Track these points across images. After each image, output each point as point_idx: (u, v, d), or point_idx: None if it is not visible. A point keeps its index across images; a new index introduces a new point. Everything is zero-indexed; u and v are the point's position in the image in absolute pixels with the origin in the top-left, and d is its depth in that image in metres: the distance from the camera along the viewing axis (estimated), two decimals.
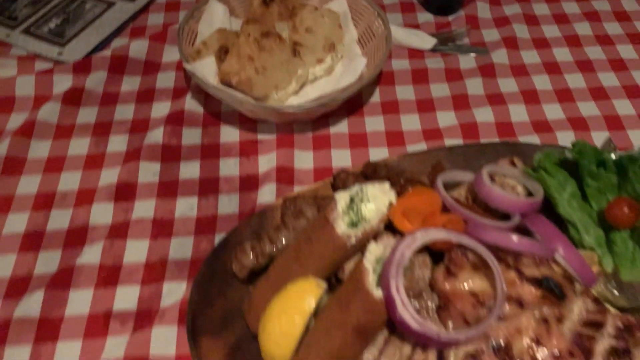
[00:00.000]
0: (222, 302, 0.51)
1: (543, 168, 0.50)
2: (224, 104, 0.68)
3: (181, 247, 0.57)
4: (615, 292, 0.48)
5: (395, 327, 0.44)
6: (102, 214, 0.60)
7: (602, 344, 0.43)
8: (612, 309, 0.45)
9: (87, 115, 0.69)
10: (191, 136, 0.67)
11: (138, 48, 0.75)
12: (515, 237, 0.42)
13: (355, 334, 0.43)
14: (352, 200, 0.47)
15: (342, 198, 0.46)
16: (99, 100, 0.70)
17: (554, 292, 0.42)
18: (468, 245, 0.43)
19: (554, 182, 0.49)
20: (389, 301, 0.41)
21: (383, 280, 0.42)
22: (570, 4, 0.81)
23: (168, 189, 0.62)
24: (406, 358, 0.44)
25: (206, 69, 0.65)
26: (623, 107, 0.68)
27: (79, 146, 0.66)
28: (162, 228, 0.59)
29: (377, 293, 0.42)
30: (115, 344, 0.51)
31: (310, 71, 0.68)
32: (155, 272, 0.56)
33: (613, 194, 0.47)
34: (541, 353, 0.41)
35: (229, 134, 0.67)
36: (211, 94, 0.64)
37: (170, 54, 0.75)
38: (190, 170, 0.63)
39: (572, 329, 0.43)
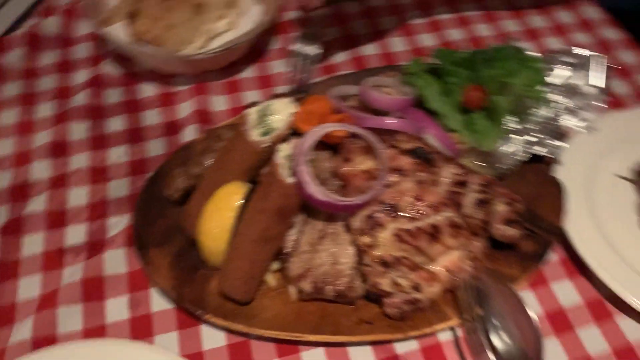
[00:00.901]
0: (162, 221, 0.59)
1: (413, 73, 0.61)
2: (139, 63, 0.76)
3: (119, 188, 0.64)
4: (480, 163, 0.61)
5: (309, 209, 0.54)
6: (41, 170, 0.66)
7: (469, 198, 0.55)
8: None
9: (11, 89, 0.74)
10: (113, 95, 0.73)
11: (51, 24, 0.81)
12: (389, 119, 0.53)
13: (276, 216, 0.52)
14: (261, 115, 0.56)
15: (252, 113, 0.56)
16: (21, 75, 0.75)
17: (424, 158, 0.53)
18: (355, 133, 0.53)
19: (422, 82, 0.60)
20: (299, 183, 0.51)
21: (293, 168, 0.51)
22: None
23: (99, 142, 0.69)
24: (319, 231, 0.54)
25: (119, 33, 0.73)
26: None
27: (9, 117, 0.71)
28: (98, 175, 0.65)
29: (290, 180, 0.52)
30: (72, 272, 0.58)
31: (214, 27, 0.76)
32: (98, 210, 0.62)
33: (466, 83, 0.59)
34: (420, 206, 0.52)
35: (148, 90, 0.74)
36: (127, 53, 0.71)
37: (83, 28, 0.81)
38: (117, 124, 0.70)
39: (444, 188, 0.54)
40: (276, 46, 0.79)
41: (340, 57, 0.77)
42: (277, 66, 0.77)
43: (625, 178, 0.62)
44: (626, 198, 0.62)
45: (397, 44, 0.79)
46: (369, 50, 0.78)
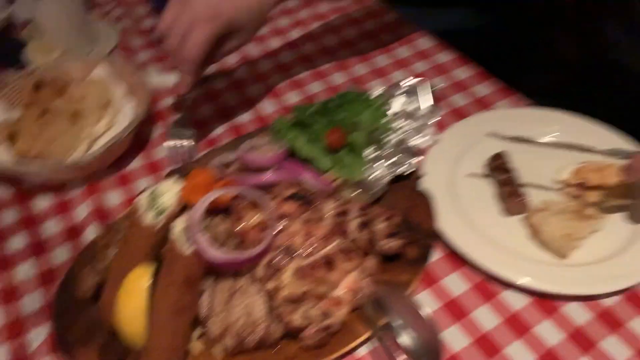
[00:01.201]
0: (81, 321, 0.61)
1: (281, 130, 0.69)
2: (29, 180, 0.79)
3: (32, 302, 0.66)
4: (356, 192, 0.69)
5: (215, 272, 0.59)
6: None
7: (353, 224, 0.63)
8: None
9: None
10: (9, 216, 0.75)
11: None
12: (267, 174, 0.60)
13: (184, 287, 0.57)
14: (151, 199, 0.61)
15: (142, 199, 0.61)
16: None
17: (305, 200, 0.61)
18: (240, 193, 0.60)
19: (291, 136, 0.68)
20: (199, 250, 0.56)
21: (190, 238, 0.57)
22: None
23: (3, 264, 0.70)
24: (229, 289, 0.59)
25: (2, 156, 0.75)
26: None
27: None
28: (9, 295, 0.67)
29: (189, 250, 0.57)
30: None
31: (94, 130, 0.81)
32: (16, 329, 0.64)
33: (327, 129, 0.68)
34: (311, 242, 0.59)
35: (43, 202, 0.77)
36: (13, 173, 0.74)
37: None
38: (18, 242, 0.72)
39: (329, 221, 0.62)
40: (157, 132, 0.85)
41: (218, 130, 0.84)
42: (162, 151, 0.82)
43: (481, 174, 0.73)
44: (485, 191, 0.72)
45: (266, 106, 0.88)
46: (243, 118, 0.86)
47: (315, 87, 0.90)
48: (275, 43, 1.00)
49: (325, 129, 0.68)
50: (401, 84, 0.68)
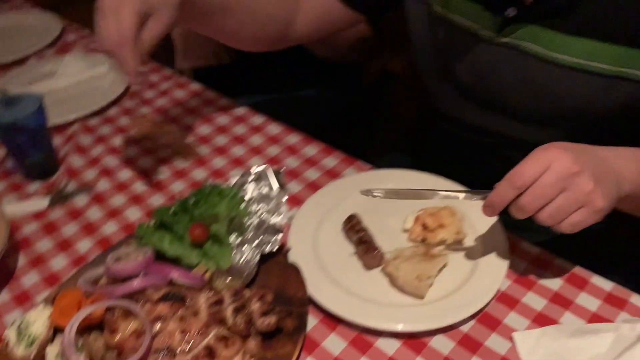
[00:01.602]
0: None
1: (143, 235, 0.72)
2: None
3: None
4: (229, 279, 0.73)
5: None
6: None
7: (228, 310, 0.66)
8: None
9: None
10: None
11: None
12: (134, 281, 0.63)
13: None
14: (20, 330, 0.60)
15: (10, 332, 0.60)
16: None
17: (176, 299, 0.63)
18: (110, 305, 0.61)
19: (155, 239, 0.71)
20: None
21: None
22: None
23: None
24: None
25: None
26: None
27: None
28: None
29: None
30: None
31: None
32: None
33: (189, 226, 0.72)
34: (189, 337, 0.61)
35: None
36: None
37: None
38: None
39: (204, 314, 0.65)
40: (23, 262, 0.84)
41: (85, 247, 0.85)
42: (28, 279, 0.81)
43: (339, 237, 0.80)
44: (345, 252, 0.79)
45: (131, 214, 0.90)
46: (109, 229, 0.87)
47: (178, 187, 0.94)
48: (132, 151, 1.03)
49: (187, 226, 0.72)
50: (251, 171, 0.75)
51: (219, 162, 0.99)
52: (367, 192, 0.77)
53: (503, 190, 0.67)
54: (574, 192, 0.64)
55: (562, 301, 0.73)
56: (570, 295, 0.74)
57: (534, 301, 0.73)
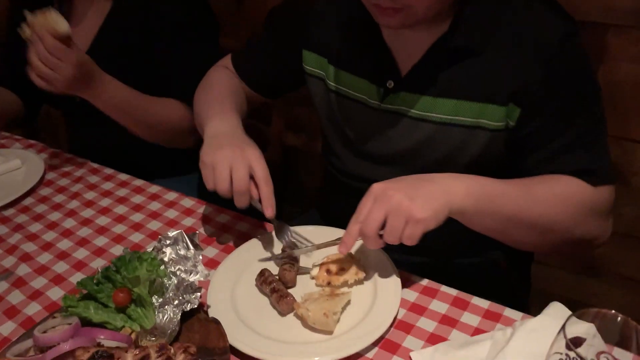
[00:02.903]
0: None
1: (69, 306, 0.77)
2: None
3: None
4: (153, 338, 0.79)
5: None
6: None
7: None
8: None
9: None
10: None
11: None
12: (63, 344, 0.68)
13: None
14: None
15: None
16: None
17: (104, 357, 0.69)
18: None
19: (80, 308, 0.77)
20: None
21: None
22: None
23: None
24: None
25: None
26: None
27: None
28: None
29: None
30: None
31: None
32: None
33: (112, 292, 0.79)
34: None
35: None
36: None
37: None
38: None
39: None
40: None
41: (7, 330, 0.87)
42: None
43: (254, 290, 0.89)
44: (262, 302, 0.88)
45: (54, 294, 0.94)
46: (32, 310, 0.91)
47: (98, 263, 0.99)
48: (49, 237, 1.07)
49: (110, 293, 0.78)
50: (167, 235, 0.83)
51: (136, 237, 1.06)
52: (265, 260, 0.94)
53: (350, 228, 0.84)
54: (395, 211, 0.79)
55: (449, 321, 0.85)
56: (455, 315, 0.86)
57: (426, 324, 0.85)
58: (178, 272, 0.81)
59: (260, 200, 0.92)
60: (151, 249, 0.82)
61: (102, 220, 1.11)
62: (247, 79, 1.18)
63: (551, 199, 0.89)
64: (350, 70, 1.02)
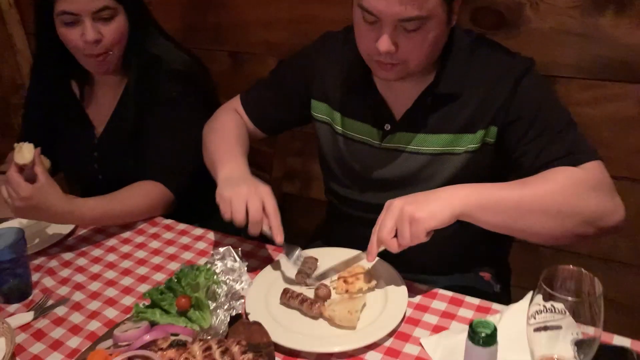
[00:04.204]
0: None
1: (139, 312, 0.93)
2: None
3: None
4: (208, 337, 0.94)
5: None
6: None
7: (216, 353, 0.87)
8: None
9: None
10: None
11: None
12: (146, 336, 0.83)
13: None
14: None
15: None
16: None
17: (180, 345, 0.84)
18: (132, 355, 0.81)
19: (148, 314, 0.92)
20: None
21: None
22: None
23: None
24: None
25: None
26: None
27: None
28: None
29: None
30: None
31: None
32: None
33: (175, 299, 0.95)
34: None
35: None
36: None
37: None
38: None
39: (200, 356, 0.86)
40: None
41: (74, 343, 1.01)
42: None
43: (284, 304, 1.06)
44: (293, 311, 1.05)
45: (109, 312, 1.08)
46: (93, 326, 1.05)
47: (143, 288, 1.15)
48: (96, 268, 1.23)
49: (172, 301, 0.95)
50: (218, 250, 1.01)
51: (173, 265, 1.22)
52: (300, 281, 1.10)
53: (371, 239, 1.02)
54: (400, 217, 0.97)
55: (448, 315, 1.04)
56: (453, 311, 1.05)
57: (430, 318, 1.03)
58: (227, 281, 0.98)
59: (270, 229, 1.09)
60: (204, 263, 0.99)
61: (140, 254, 1.27)
62: (255, 118, 1.38)
63: (548, 184, 1.01)
64: (354, 117, 1.24)
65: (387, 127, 1.20)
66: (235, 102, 1.41)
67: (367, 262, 1.09)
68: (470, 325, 0.71)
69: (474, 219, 1.01)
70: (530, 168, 1.09)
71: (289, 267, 1.14)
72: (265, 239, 1.13)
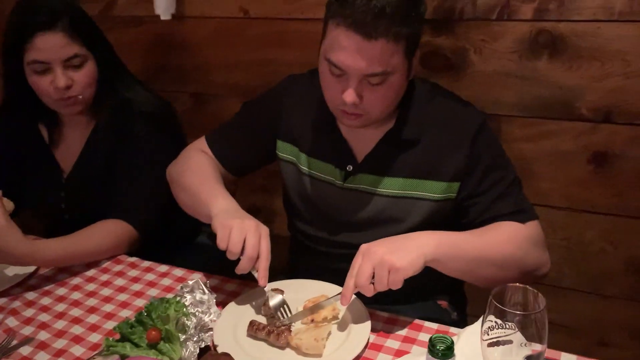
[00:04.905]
0: None
1: (109, 346, 0.94)
2: None
3: None
4: None
5: None
6: None
7: None
8: None
9: None
10: None
11: None
12: None
13: None
14: None
15: None
16: None
17: None
18: None
19: (118, 348, 0.94)
20: None
21: None
22: None
23: None
24: None
25: None
26: None
27: None
28: None
29: None
30: None
31: None
32: None
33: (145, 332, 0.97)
34: None
35: None
36: None
37: None
38: None
39: None
40: None
41: None
42: None
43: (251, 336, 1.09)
44: (258, 342, 1.08)
45: (76, 350, 1.09)
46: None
47: (111, 325, 1.16)
48: (62, 306, 1.22)
49: (142, 334, 0.97)
50: (187, 283, 1.03)
51: (139, 302, 1.24)
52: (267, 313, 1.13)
53: (346, 283, 1.05)
54: (379, 264, 1.00)
55: (409, 340, 1.09)
56: (413, 335, 1.11)
57: (393, 343, 1.08)
58: (197, 313, 1.01)
59: (257, 271, 1.10)
60: (173, 296, 1.02)
61: (106, 292, 1.28)
62: (221, 159, 1.40)
63: (502, 238, 1.14)
64: (319, 157, 1.30)
65: (349, 167, 1.27)
66: (201, 144, 1.44)
67: (335, 290, 1.13)
68: (430, 340, 0.77)
69: (439, 265, 1.08)
70: (476, 218, 1.21)
71: (256, 300, 1.18)
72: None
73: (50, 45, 1.33)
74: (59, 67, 1.35)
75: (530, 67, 1.60)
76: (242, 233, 1.07)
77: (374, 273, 1.02)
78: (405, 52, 1.09)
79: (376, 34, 1.03)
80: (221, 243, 1.07)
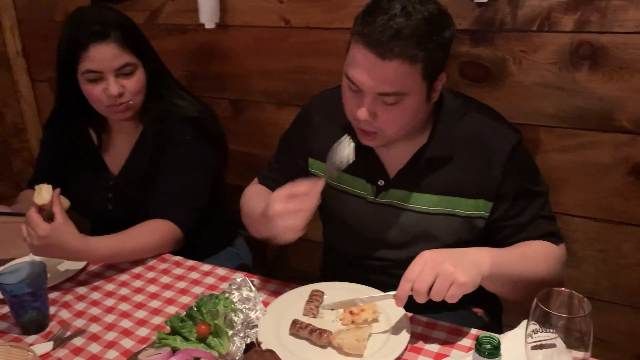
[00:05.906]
0: None
1: (161, 339, 0.98)
2: None
3: None
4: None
5: None
6: None
7: None
8: None
9: None
10: None
11: None
12: (172, 357, 0.89)
13: None
14: None
15: None
16: None
17: None
18: None
19: (170, 341, 0.98)
20: None
21: None
22: None
23: None
24: None
25: None
26: None
27: None
28: None
29: None
30: None
31: None
32: None
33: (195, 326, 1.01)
34: None
35: None
36: None
37: None
38: None
39: None
40: None
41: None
42: None
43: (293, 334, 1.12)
44: (303, 341, 1.11)
45: (125, 342, 1.13)
46: (111, 355, 1.10)
47: (157, 320, 1.20)
48: (110, 301, 1.28)
49: (192, 329, 1.01)
50: (235, 280, 1.07)
51: (184, 299, 1.28)
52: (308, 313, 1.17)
53: (403, 285, 1.05)
54: (443, 275, 1.02)
55: (448, 344, 1.11)
56: (452, 340, 1.12)
57: (432, 347, 1.10)
58: (244, 310, 1.04)
59: None
60: (222, 293, 1.06)
61: (152, 288, 1.33)
62: (271, 189, 1.42)
63: (539, 259, 1.19)
64: (350, 172, 1.30)
65: (381, 182, 1.29)
66: (254, 184, 1.49)
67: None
68: (477, 339, 0.79)
69: (486, 284, 1.09)
70: (508, 238, 1.24)
71: (297, 299, 1.21)
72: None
73: (104, 55, 1.41)
74: (111, 76, 1.42)
75: (570, 79, 1.60)
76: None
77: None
78: (424, 75, 1.08)
79: (391, 54, 1.03)
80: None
